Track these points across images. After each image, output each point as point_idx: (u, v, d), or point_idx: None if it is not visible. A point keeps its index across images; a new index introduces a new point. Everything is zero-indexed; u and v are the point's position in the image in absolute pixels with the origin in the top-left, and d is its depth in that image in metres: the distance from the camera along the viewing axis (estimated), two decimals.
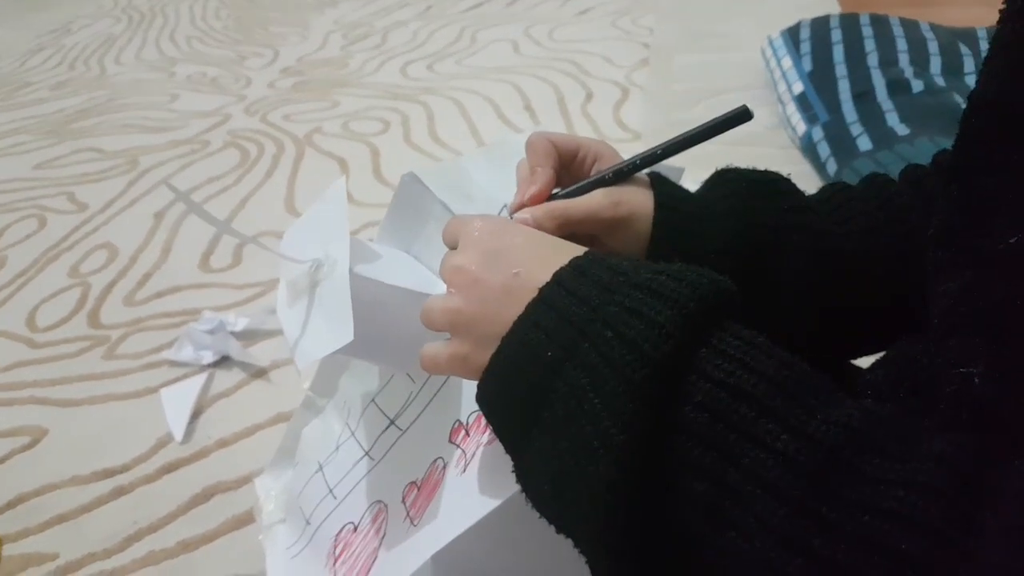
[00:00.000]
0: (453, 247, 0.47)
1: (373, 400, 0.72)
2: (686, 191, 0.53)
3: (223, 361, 1.17)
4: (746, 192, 0.52)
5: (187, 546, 0.91)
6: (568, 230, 0.50)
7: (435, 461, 0.60)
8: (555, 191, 0.53)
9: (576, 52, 2.11)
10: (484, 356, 0.41)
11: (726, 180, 0.54)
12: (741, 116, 0.47)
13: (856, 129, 1.30)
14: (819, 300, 0.52)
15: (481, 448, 0.52)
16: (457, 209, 0.64)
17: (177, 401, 1.10)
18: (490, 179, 0.67)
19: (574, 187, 0.52)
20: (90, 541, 0.93)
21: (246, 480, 0.97)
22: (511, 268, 0.42)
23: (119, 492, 0.99)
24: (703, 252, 0.50)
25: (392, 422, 0.68)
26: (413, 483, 0.61)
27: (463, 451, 0.55)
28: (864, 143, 1.26)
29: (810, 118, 1.40)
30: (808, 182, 1.48)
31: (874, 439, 0.31)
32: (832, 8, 2.06)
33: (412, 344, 0.48)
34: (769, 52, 1.66)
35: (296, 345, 0.59)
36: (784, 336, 0.50)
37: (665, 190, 0.51)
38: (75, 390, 1.16)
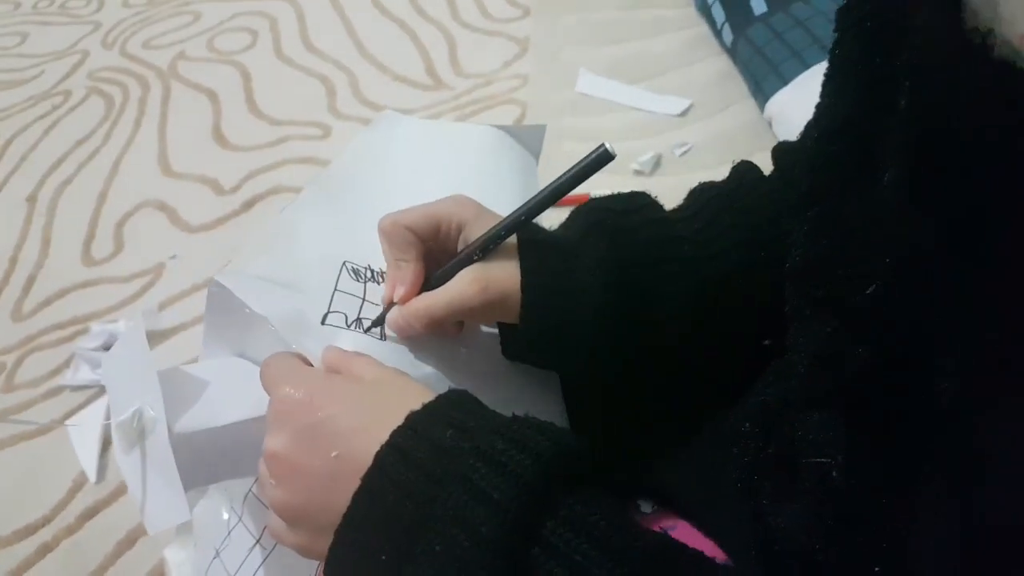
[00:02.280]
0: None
1: (251, 489, 0.68)
2: (553, 245, 0.49)
3: None
4: (612, 230, 0.49)
5: None
6: (438, 326, 0.48)
7: None
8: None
9: None
10: (324, 546, 0.38)
11: (591, 222, 0.50)
12: (603, 158, 0.43)
13: None
14: (707, 319, 0.50)
15: None
16: (279, 306, 0.56)
17: (84, 433, 1.07)
18: (324, 230, 0.59)
19: (438, 274, 0.49)
20: None
21: None
22: (330, 449, 0.39)
23: (45, 549, 0.98)
24: (578, 309, 0.47)
25: None
26: None
27: None
28: (759, 5, 1.13)
29: None
30: (707, 48, 1.35)
31: None
32: None
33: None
34: None
35: (142, 508, 0.56)
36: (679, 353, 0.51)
37: (529, 259, 0.47)
38: None
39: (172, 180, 1.41)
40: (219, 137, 1.46)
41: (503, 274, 0.46)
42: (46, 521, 1.00)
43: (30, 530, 1.00)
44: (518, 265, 0.47)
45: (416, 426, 0.37)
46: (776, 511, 0.40)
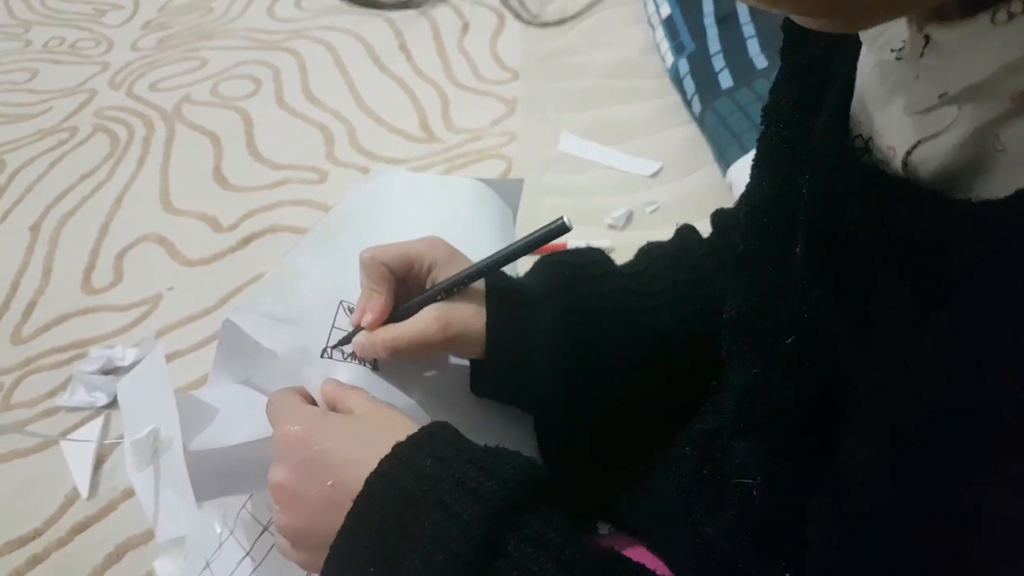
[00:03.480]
0: None
1: (244, 507, 0.74)
2: (518, 292, 0.54)
3: (117, 401, 1.17)
4: (570, 281, 0.55)
5: None
6: (400, 356, 0.53)
7: None
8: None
9: None
10: (322, 561, 0.44)
11: (552, 274, 0.56)
12: (561, 229, 0.49)
13: (719, 62, 1.27)
14: (652, 361, 0.56)
15: None
16: (284, 341, 0.61)
17: (78, 451, 1.12)
18: (325, 271, 0.65)
19: (405, 307, 0.54)
20: None
21: (152, 533, 1.00)
22: (326, 479, 0.44)
23: (35, 561, 1.02)
24: (538, 351, 0.53)
25: (266, 528, 0.71)
26: None
27: None
28: (725, 79, 1.24)
29: (677, 47, 1.37)
30: (678, 116, 1.45)
31: None
32: None
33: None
34: None
35: (155, 520, 0.61)
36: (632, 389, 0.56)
37: (495, 303, 0.53)
38: None
39: (172, 216, 1.48)
40: (220, 178, 1.54)
41: (464, 315, 0.52)
42: (37, 534, 1.05)
43: (22, 542, 1.04)
44: (479, 308, 0.52)
45: (401, 455, 0.43)
46: (707, 523, 0.46)
